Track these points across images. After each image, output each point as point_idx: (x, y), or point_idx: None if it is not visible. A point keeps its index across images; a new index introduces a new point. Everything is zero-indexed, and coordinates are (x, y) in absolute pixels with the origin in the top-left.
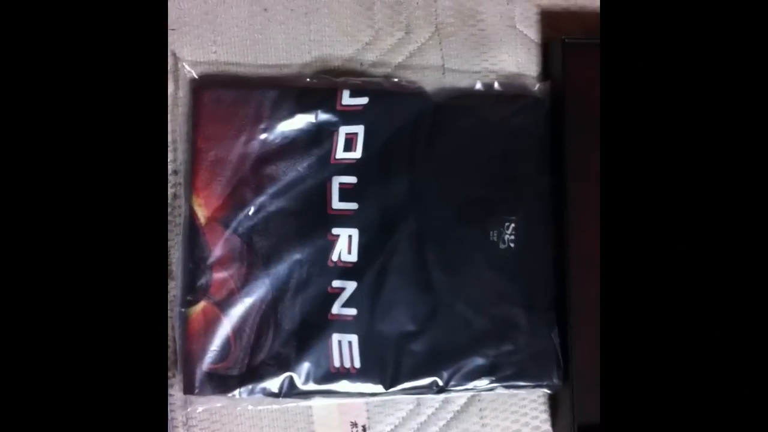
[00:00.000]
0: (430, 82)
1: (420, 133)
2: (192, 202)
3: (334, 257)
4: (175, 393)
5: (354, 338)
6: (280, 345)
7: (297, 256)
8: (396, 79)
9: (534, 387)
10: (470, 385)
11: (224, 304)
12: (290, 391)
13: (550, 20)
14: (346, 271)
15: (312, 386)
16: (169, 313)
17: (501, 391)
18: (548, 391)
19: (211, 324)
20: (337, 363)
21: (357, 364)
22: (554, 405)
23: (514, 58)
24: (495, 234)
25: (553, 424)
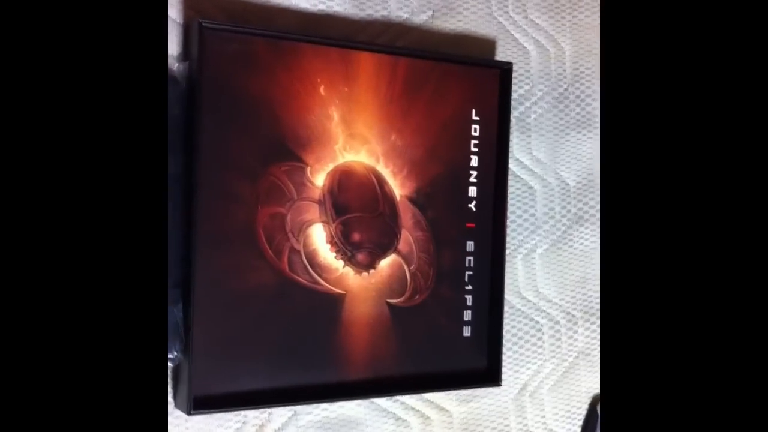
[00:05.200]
0: None
1: None
2: None
3: None
4: None
5: None
6: None
7: None
8: None
9: None
10: None
11: None
12: None
13: (193, 2)
14: None
15: None
16: None
17: None
18: (170, 365)
19: None
20: None
21: None
22: (175, 377)
23: None
24: None
25: (174, 395)
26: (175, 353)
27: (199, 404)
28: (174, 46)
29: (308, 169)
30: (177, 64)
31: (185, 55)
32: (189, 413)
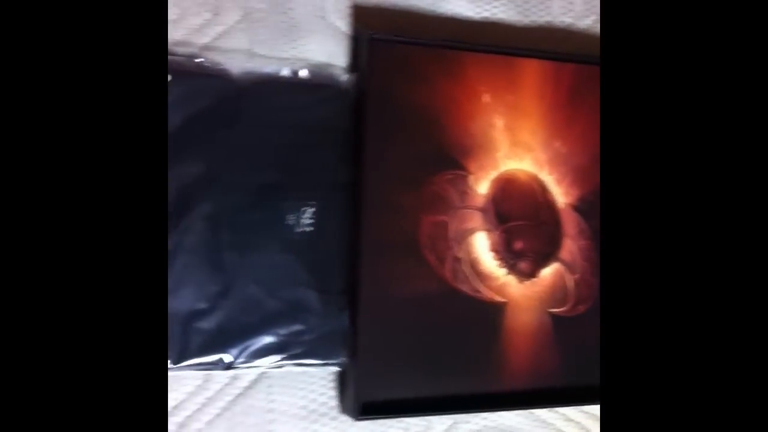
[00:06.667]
0: (236, 65)
1: (222, 115)
2: None
3: None
4: None
5: None
6: None
7: None
8: (200, 60)
9: (322, 365)
10: (259, 362)
11: None
12: None
13: (360, 14)
14: None
15: None
16: None
17: (290, 368)
18: (337, 369)
19: None
20: None
21: None
22: (341, 383)
23: (324, 48)
24: (293, 218)
25: (340, 401)
26: (342, 359)
27: (367, 410)
28: (341, 57)
29: (471, 178)
30: (345, 76)
31: (353, 66)
32: (356, 419)
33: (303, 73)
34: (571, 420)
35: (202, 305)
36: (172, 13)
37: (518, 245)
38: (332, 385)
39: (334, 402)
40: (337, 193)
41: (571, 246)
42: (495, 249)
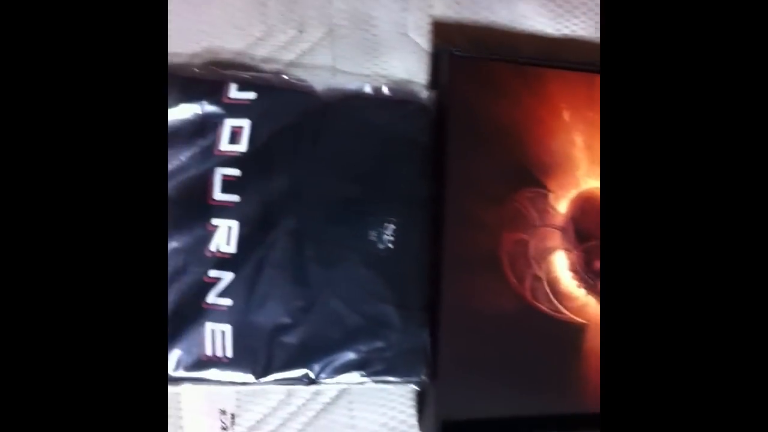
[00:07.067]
0: (320, 81)
1: (306, 132)
2: None
3: (212, 247)
4: None
5: (227, 328)
6: None
7: (174, 244)
8: (285, 76)
9: (403, 383)
10: (340, 378)
11: None
12: None
13: (441, 31)
14: (223, 262)
15: (182, 373)
16: None
17: (370, 385)
18: (416, 388)
19: None
20: (209, 351)
21: (229, 353)
22: (421, 401)
23: (405, 64)
24: (374, 234)
25: (419, 419)
26: (422, 376)
27: (446, 429)
28: (422, 73)
29: (551, 196)
30: (426, 92)
31: (433, 82)
32: None
33: (384, 89)
34: None
35: (287, 320)
36: (258, 30)
37: (598, 265)
38: (411, 402)
39: (413, 420)
40: (418, 208)
41: None
42: (574, 269)
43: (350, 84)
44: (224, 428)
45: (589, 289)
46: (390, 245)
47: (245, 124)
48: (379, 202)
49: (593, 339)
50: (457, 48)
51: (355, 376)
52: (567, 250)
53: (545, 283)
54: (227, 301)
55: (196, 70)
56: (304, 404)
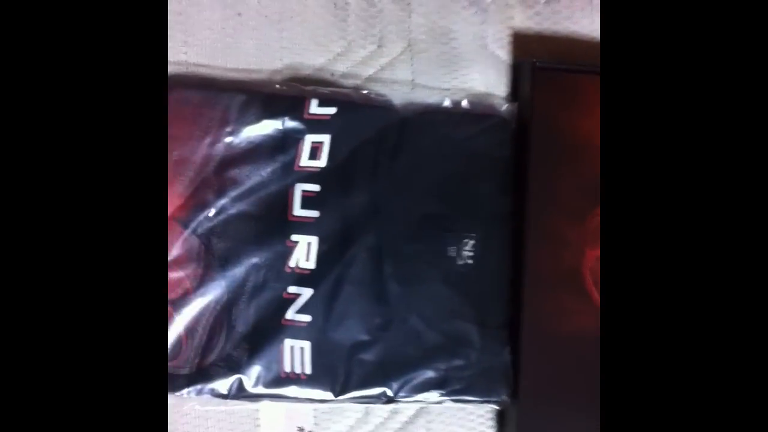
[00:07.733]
0: (399, 96)
1: (385, 147)
2: None
3: (292, 263)
4: None
5: (306, 344)
6: (231, 347)
7: (254, 260)
8: (365, 91)
9: (482, 402)
10: (419, 397)
11: (178, 303)
12: (239, 393)
13: (521, 42)
14: (302, 278)
15: (261, 389)
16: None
17: (449, 404)
18: (496, 407)
19: None
20: (287, 368)
21: (308, 370)
22: (501, 421)
23: (484, 77)
24: (454, 250)
25: None
26: (503, 396)
27: None
28: (501, 86)
29: None
30: (505, 105)
31: (513, 95)
32: None
33: (464, 102)
34: None
35: (365, 337)
36: (338, 46)
37: None
38: (491, 422)
39: None
40: (498, 224)
41: None
42: None
43: (429, 98)
44: None
45: None
46: (469, 261)
47: (325, 139)
48: (459, 217)
49: None
50: (540, 59)
51: (434, 395)
52: None
53: None
54: (306, 318)
55: (278, 86)
56: (382, 423)
